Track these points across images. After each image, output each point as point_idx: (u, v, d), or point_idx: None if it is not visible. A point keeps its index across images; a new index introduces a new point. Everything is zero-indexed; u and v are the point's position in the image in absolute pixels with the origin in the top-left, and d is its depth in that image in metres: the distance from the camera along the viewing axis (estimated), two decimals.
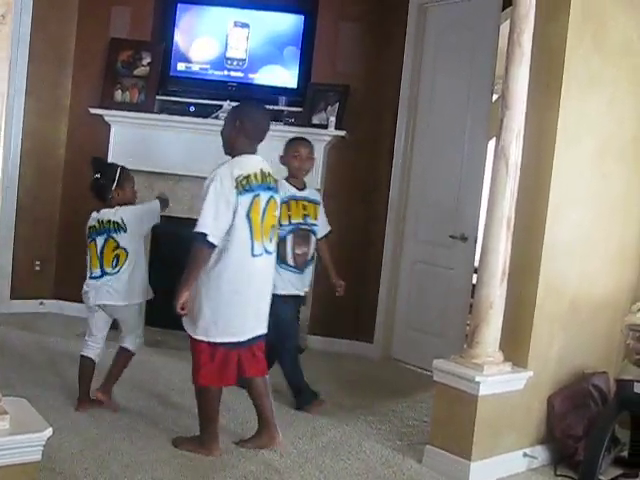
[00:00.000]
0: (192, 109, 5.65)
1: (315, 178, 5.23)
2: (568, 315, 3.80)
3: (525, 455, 3.70)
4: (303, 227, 4.24)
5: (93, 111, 5.64)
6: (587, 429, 3.66)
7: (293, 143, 4.31)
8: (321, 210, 4.38)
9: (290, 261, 4.19)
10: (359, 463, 3.61)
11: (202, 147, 5.47)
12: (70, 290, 5.78)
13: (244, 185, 3.33)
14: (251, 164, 3.42)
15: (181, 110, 5.68)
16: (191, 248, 3.33)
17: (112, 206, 3.96)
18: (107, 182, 3.97)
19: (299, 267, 4.23)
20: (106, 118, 5.64)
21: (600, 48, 3.72)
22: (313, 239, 4.30)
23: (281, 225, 3.95)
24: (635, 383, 3.30)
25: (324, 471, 3.46)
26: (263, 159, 3.54)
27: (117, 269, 3.90)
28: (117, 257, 3.91)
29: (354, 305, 5.54)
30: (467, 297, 4.99)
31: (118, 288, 3.89)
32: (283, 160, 4.27)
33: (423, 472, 3.55)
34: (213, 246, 3.28)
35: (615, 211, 3.98)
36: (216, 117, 5.50)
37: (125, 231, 3.91)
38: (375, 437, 3.95)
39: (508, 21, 3.54)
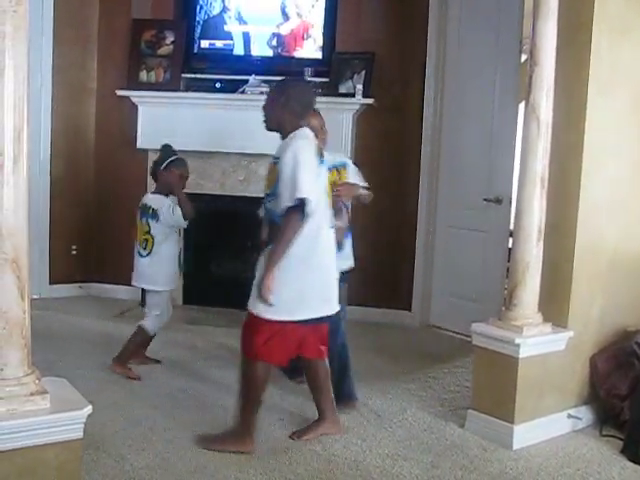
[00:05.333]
0: (218, 85, 5.62)
1: (345, 147, 5.21)
2: (607, 273, 3.73)
3: (569, 416, 3.66)
4: None
5: (120, 93, 5.65)
6: (632, 388, 3.60)
7: None
8: (351, 171, 3.85)
9: None
10: (402, 430, 3.60)
11: (230, 123, 5.46)
12: (107, 272, 5.87)
13: (320, 155, 3.33)
14: (312, 136, 3.37)
15: (207, 87, 5.66)
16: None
17: (158, 188, 4.27)
18: (156, 164, 4.29)
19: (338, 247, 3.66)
20: (133, 99, 5.65)
21: None
22: (344, 209, 3.81)
23: None
24: None
25: (367, 440, 3.47)
26: None
27: (145, 253, 4.20)
28: (146, 241, 4.20)
29: (391, 273, 5.51)
30: (504, 260, 4.92)
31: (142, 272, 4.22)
32: None
33: (466, 437, 3.54)
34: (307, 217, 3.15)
35: None
36: (242, 92, 5.48)
37: (157, 220, 4.15)
38: (417, 404, 3.94)
39: None
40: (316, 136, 3.63)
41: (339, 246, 3.67)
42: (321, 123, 3.74)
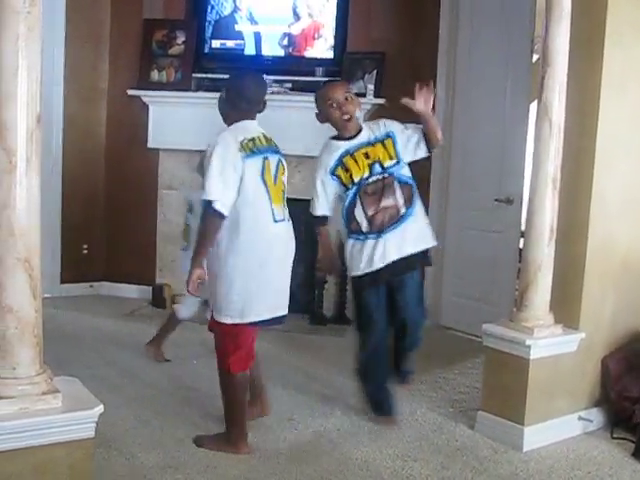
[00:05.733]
0: None
1: None
2: (620, 274, 3.71)
3: (580, 418, 3.64)
4: (372, 180, 3.45)
5: (131, 92, 5.67)
6: None
7: (322, 92, 3.54)
8: (400, 135, 3.55)
9: (365, 228, 3.44)
10: (411, 431, 3.60)
11: None
12: (118, 272, 5.89)
13: (251, 148, 3.16)
14: (252, 128, 3.27)
15: (218, 87, 5.59)
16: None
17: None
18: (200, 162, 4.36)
19: (381, 228, 3.42)
20: (144, 99, 5.66)
21: None
22: (396, 184, 3.48)
23: (347, 190, 3.48)
24: None
25: (377, 440, 3.46)
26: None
27: (184, 245, 4.28)
28: (184, 233, 4.37)
29: None
30: (515, 261, 4.91)
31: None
32: (321, 117, 3.55)
33: (476, 438, 3.53)
34: (223, 216, 3.07)
35: None
36: None
37: (192, 212, 4.24)
38: (427, 405, 3.93)
39: None
40: (339, 109, 3.46)
41: (384, 230, 3.41)
42: (345, 94, 3.49)
